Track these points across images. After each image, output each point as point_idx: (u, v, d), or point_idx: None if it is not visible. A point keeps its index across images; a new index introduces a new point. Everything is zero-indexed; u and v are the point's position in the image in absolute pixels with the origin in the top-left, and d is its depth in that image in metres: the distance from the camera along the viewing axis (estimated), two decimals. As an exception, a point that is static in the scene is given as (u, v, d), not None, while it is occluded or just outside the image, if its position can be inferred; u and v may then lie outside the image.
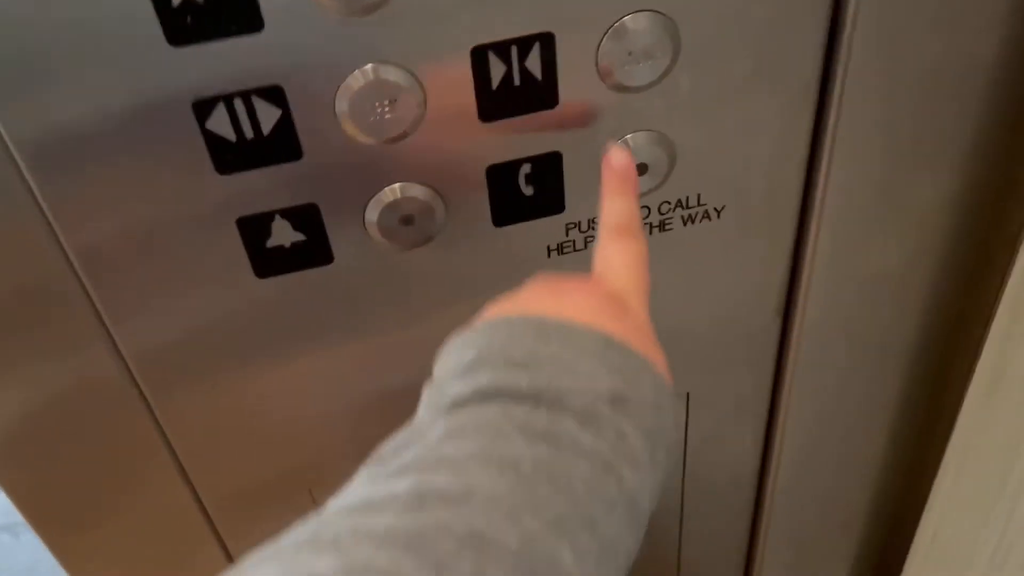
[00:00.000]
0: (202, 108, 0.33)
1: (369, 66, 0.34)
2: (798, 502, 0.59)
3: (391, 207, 0.38)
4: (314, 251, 0.38)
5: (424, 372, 0.45)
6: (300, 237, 0.37)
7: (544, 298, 0.32)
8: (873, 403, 0.54)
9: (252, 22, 0.31)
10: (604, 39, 0.35)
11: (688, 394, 0.51)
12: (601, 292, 0.32)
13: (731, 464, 0.56)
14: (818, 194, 0.42)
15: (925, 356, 0.52)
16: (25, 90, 0.31)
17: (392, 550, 0.22)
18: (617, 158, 0.34)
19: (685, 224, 0.42)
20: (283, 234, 0.37)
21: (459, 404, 0.27)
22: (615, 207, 0.34)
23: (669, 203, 0.41)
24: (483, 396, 0.27)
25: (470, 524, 0.23)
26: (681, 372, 0.50)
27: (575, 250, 0.42)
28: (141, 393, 0.41)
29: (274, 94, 0.33)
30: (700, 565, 0.64)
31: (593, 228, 0.41)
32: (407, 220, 0.38)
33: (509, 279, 0.42)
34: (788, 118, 0.39)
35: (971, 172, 0.43)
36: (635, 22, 0.35)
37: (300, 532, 0.24)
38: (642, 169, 0.39)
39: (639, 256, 0.34)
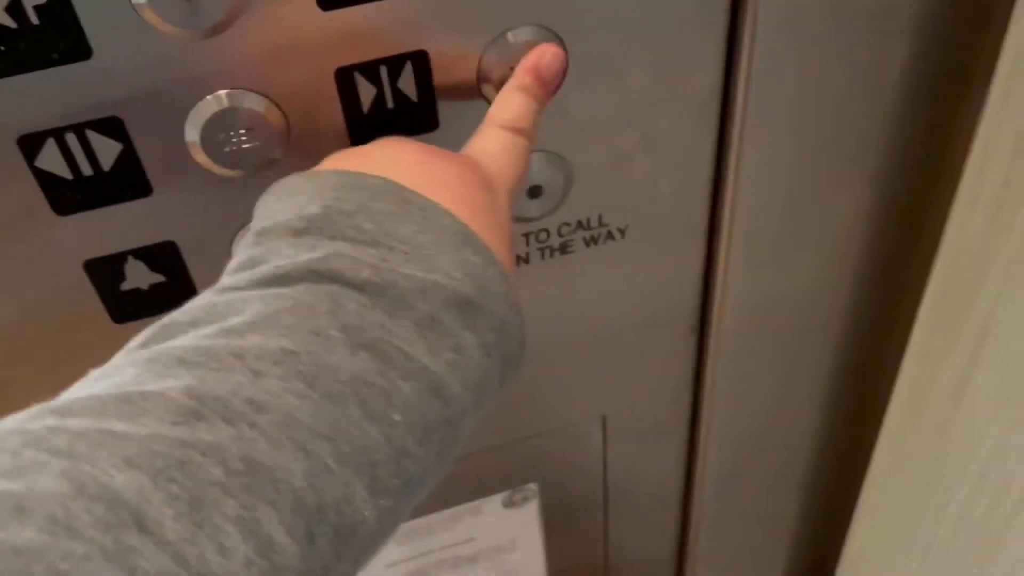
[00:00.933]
0: (29, 145, 0.29)
1: (221, 92, 0.30)
2: (725, 520, 0.57)
3: (261, 242, 0.34)
4: (176, 292, 0.35)
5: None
6: (159, 278, 0.34)
7: (407, 159, 0.27)
8: (795, 417, 0.52)
9: (77, 49, 0.28)
10: (484, 55, 0.32)
11: (604, 417, 0.49)
12: (472, 170, 0.28)
13: (655, 485, 0.54)
14: (726, 211, 0.40)
15: (845, 371, 0.50)
16: None
17: (138, 474, 0.18)
18: (548, 58, 0.30)
19: (588, 246, 0.40)
20: (139, 276, 0.34)
21: (283, 279, 0.23)
22: (515, 102, 0.29)
23: (569, 225, 0.39)
24: (316, 276, 0.23)
25: (249, 452, 0.19)
26: (597, 395, 0.48)
27: (470, 278, 0.39)
28: None
29: (111, 126, 0.30)
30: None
31: (488, 254, 0.38)
32: (280, 255, 0.35)
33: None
34: (690, 134, 0.37)
35: (883, 187, 0.41)
36: (516, 37, 0.32)
37: (33, 419, 0.19)
38: (537, 191, 0.37)
39: (524, 152, 0.29)
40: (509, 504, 0.51)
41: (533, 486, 0.51)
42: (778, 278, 0.44)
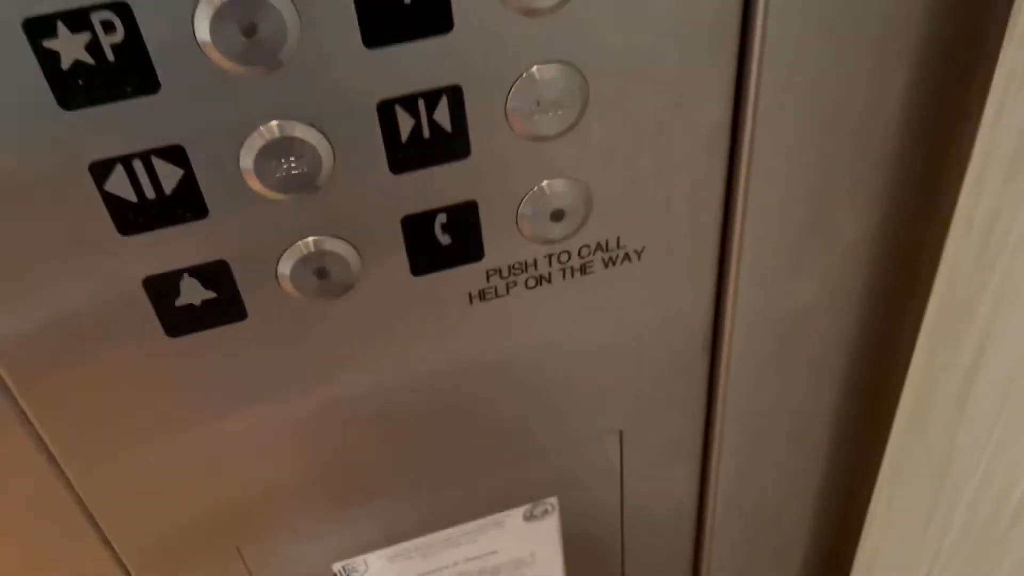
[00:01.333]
0: (100, 171, 0.32)
1: (273, 123, 0.33)
2: (739, 531, 0.59)
3: (305, 261, 0.37)
4: (226, 308, 0.37)
5: (344, 424, 0.44)
6: (211, 295, 0.37)
7: None
8: (804, 433, 0.54)
9: (147, 83, 0.31)
10: (512, 90, 0.35)
11: (622, 432, 0.51)
12: None
13: (670, 499, 0.56)
14: (736, 233, 0.42)
15: (853, 387, 0.52)
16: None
17: None
18: None
19: (606, 266, 0.42)
20: (193, 292, 0.36)
21: None
22: None
23: (589, 247, 0.41)
24: None
25: None
26: (615, 410, 0.50)
27: (496, 296, 0.41)
28: (55, 462, 0.40)
29: (175, 154, 0.32)
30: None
31: (514, 273, 0.41)
32: (322, 273, 0.37)
33: (431, 327, 0.42)
34: (702, 160, 0.40)
35: (886, 206, 0.44)
36: (541, 73, 0.35)
37: None
38: (559, 215, 0.39)
39: None
40: (530, 517, 0.53)
41: (553, 500, 0.53)
42: (787, 296, 0.46)
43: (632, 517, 0.56)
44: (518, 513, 0.53)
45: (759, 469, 0.55)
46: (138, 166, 0.32)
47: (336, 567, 0.51)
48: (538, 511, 0.53)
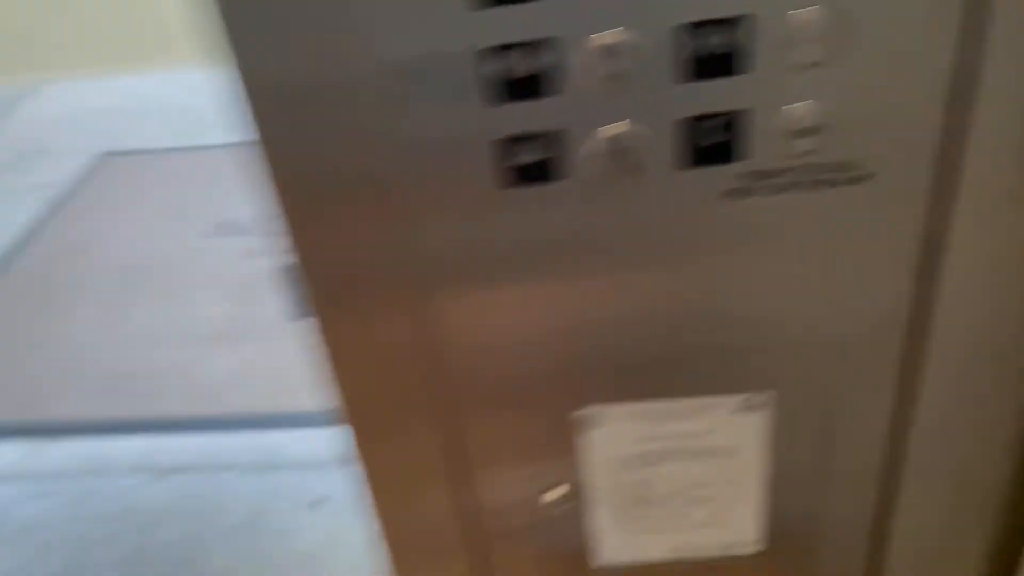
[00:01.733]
0: (484, 55, 0.47)
1: (605, 32, 0.46)
2: (929, 478, 0.65)
3: (608, 140, 0.50)
4: (548, 170, 0.51)
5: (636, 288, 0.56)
6: (539, 157, 0.50)
7: None
8: (1006, 393, 0.60)
9: (531, -6, 0.45)
10: (786, 21, 0.46)
11: (829, 345, 0.59)
12: None
13: (863, 426, 0.64)
14: (956, 174, 0.50)
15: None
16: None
17: None
18: None
19: (841, 185, 0.52)
20: (526, 154, 0.50)
21: None
22: None
23: (828, 164, 0.51)
24: None
25: None
26: (823, 320, 0.59)
27: (747, 196, 0.52)
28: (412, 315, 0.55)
29: (541, 46, 0.47)
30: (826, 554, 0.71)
31: (764, 178, 0.52)
32: (619, 154, 0.50)
33: (695, 214, 0.54)
34: (931, 99, 0.49)
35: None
36: (809, 12, 0.46)
37: None
38: (808, 132, 0.50)
39: None
40: (745, 408, 0.63)
41: (769, 395, 0.62)
42: (999, 246, 0.53)
43: (828, 437, 0.64)
44: (735, 400, 0.63)
45: (960, 403, 0.62)
46: (509, 54, 0.47)
47: (576, 415, 0.63)
48: (754, 402, 0.63)
